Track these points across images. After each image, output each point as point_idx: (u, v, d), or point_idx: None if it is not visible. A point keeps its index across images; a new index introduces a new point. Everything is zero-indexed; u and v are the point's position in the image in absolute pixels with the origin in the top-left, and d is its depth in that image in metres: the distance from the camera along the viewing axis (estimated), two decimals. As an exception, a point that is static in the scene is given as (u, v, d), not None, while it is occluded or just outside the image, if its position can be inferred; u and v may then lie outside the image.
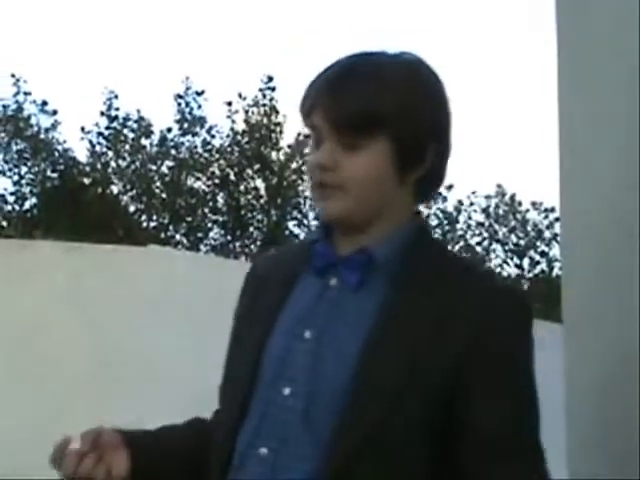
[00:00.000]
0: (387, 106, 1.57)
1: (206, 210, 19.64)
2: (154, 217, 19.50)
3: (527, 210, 21.85)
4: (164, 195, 19.22)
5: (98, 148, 19.11)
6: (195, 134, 19.40)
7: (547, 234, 21.65)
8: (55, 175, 18.59)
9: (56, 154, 18.76)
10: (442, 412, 1.51)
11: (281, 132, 19.65)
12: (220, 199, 19.63)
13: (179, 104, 19.32)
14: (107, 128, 19.08)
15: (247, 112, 19.41)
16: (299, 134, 19.62)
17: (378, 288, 1.58)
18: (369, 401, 1.51)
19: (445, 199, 21.01)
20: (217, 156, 19.52)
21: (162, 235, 19.04)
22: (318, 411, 1.53)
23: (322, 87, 1.61)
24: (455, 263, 1.65)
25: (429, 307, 1.54)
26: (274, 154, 19.62)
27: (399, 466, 1.50)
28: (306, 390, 1.55)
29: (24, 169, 18.69)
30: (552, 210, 21.02)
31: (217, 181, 19.40)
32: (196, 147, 19.44)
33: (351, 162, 1.58)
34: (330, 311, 1.60)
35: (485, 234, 21.74)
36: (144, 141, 19.23)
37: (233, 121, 19.47)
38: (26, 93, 18.66)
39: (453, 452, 1.52)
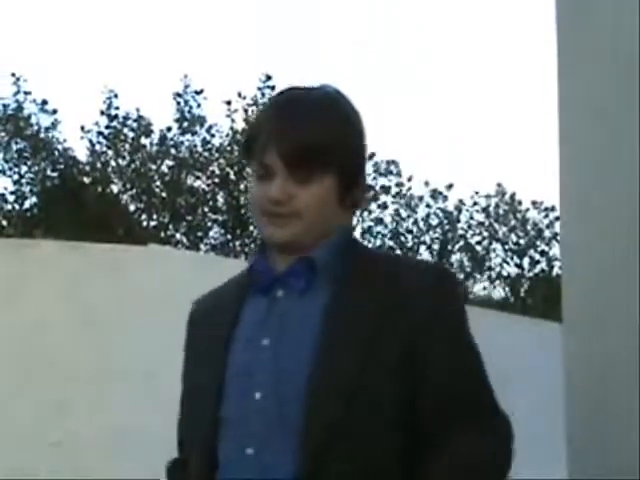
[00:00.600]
0: (332, 139, 1.74)
1: (206, 209, 19.63)
2: (154, 216, 19.50)
3: (527, 209, 21.85)
4: (164, 194, 19.21)
5: (98, 147, 19.10)
6: (195, 133, 19.40)
7: (547, 233, 21.65)
8: (55, 174, 18.58)
9: (56, 153, 18.75)
10: (403, 392, 1.65)
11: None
12: (220, 198, 19.63)
13: (178, 103, 19.31)
14: (107, 127, 19.07)
15: (247, 111, 19.41)
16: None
17: (322, 289, 1.73)
18: (329, 394, 1.63)
19: (446, 198, 21.00)
20: (217, 155, 19.51)
21: (162, 234, 19.04)
22: (290, 409, 1.65)
23: (272, 128, 1.76)
24: (382, 257, 1.87)
25: (371, 297, 1.70)
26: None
27: (372, 456, 1.62)
28: (274, 391, 1.67)
29: (24, 168, 18.69)
30: (552, 209, 21.01)
31: (217, 180, 19.40)
32: (196, 146, 19.43)
33: (303, 193, 1.74)
34: (282, 318, 1.73)
35: (485, 233, 21.74)
36: (144, 140, 19.22)
37: (233, 120, 19.47)
38: (26, 92, 18.65)
39: (417, 424, 1.65)
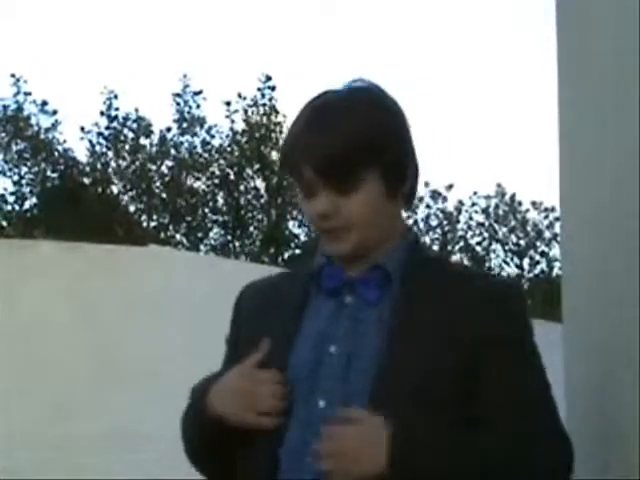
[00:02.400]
0: (365, 142, 1.68)
1: (206, 210, 19.66)
2: (154, 217, 19.53)
3: (527, 210, 21.87)
4: (164, 195, 19.24)
5: (98, 148, 19.15)
6: (195, 134, 19.41)
7: (547, 234, 21.68)
8: (55, 175, 18.61)
9: (56, 154, 18.78)
10: (463, 407, 1.63)
11: (281, 132, 19.66)
12: (220, 199, 19.66)
13: (178, 103, 19.33)
14: (107, 128, 19.11)
15: (246, 112, 19.42)
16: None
17: (391, 298, 1.71)
18: (391, 406, 1.60)
19: (445, 199, 21.01)
20: (217, 156, 19.55)
21: (162, 235, 19.06)
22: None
23: (301, 141, 1.70)
24: (451, 268, 1.79)
25: (437, 311, 1.68)
26: (274, 154, 19.64)
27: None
28: (339, 401, 1.65)
29: (24, 169, 18.71)
30: (552, 210, 21.04)
31: (217, 181, 19.42)
32: (195, 147, 19.47)
33: (349, 203, 1.69)
34: (350, 326, 1.71)
35: (485, 234, 21.75)
36: (144, 141, 19.27)
37: (232, 121, 19.51)
38: (26, 93, 18.68)
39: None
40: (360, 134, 1.68)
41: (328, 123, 1.69)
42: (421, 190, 20.99)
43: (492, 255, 21.74)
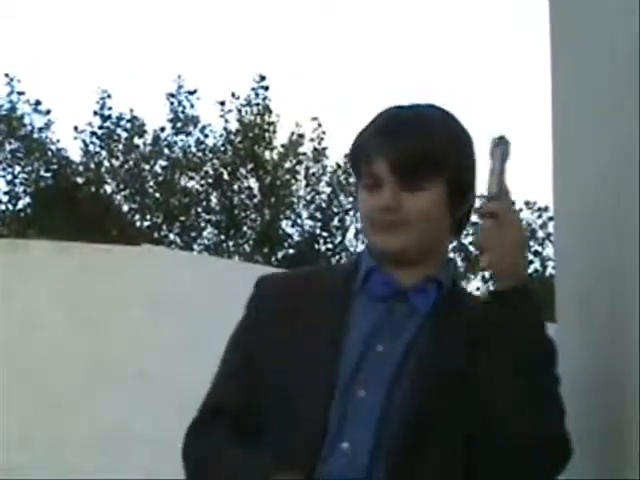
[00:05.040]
0: (439, 149, 1.79)
1: (199, 209, 19.62)
2: (148, 216, 19.48)
3: (520, 209, 21.85)
4: (157, 194, 19.19)
5: (91, 147, 19.08)
6: (188, 133, 19.38)
7: (540, 233, 21.65)
8: (48, 175, 18.56)
9: (49, 154, 18.72)
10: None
11: (274, 132, 19.64)
12: (214, 198, 19.62)
13: (172, 103, 19.29)
14: (100, 127, 19.05)
15: (240, 111, 19.39)
16: (292, 134, 19.62)
17: (439, 310, 1.80)
18: (430, 401, 1.71)
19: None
20: (210, 155, 19.50)
21: (156, 234, 19.02)
22: (391, 412, 1.71)
23: (381, 137, 1.80)
24: (467, 293, 1.96)
25: (462, 328, 1.77)
26: (267, 153, 19.60)
27: (454, 465, 1.71)
28: (382, 392, 1.72)
29: (17, 169, 18.65)
30: (546, 209, 21.01)
31: (210, 180, 19.39)
32: (189, 146, 19.42)
33: (412, 201, 1.78)
34: (397, 330, 1.79)
35: (478, 233, 21.73)
36: (137, 140, 19.20)
37: (226, 120, 19.45)
38: (19, 93, 18.62)
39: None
40: (436, 141, 1.79)
41: (408, 123, 1.80)
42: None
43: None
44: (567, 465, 1.74)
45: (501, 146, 1.71)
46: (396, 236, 1.79)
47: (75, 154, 19.16)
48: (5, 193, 18.55)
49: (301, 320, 1.83)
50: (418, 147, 1.78)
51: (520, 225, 1.72)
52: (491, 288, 1.74)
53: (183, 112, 19.29)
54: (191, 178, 19.36)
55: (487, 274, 21.28)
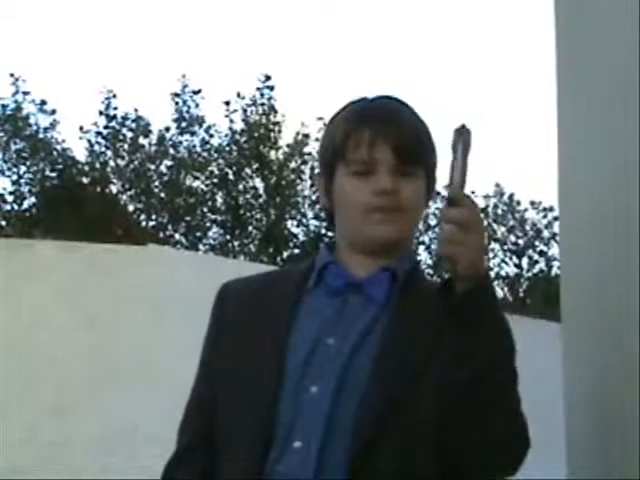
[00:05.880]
0: (425, 141, 1.83)
1: (205, 209, 19.63)
2: (153, 216, 19.49)
3: (526, 209, 21.84)
4: (163, 194, 19.20)
5: (97, 147, 19.10)
6: (193, 133, 19.39)
7: (546, 233, 21.64)
8: (54, 174, 18.57)
9: (55, 153, 18.73)
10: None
11: (280, 131, 19.64)
12: (219, 198, 19.62)
13: (176, 103, 19.30)
14: (105, 127, 19.06)
15: (245, 111, 19.39)
16: (298, 134, 19.63)
17: (393, 301, 1.77)
18: (386, 388, 1.66)
19: (444, 199, 20.99)
20: (216, 155, 19.51)
21: (161, 234, 19.03)
22: (344, 407, 1.67)
23: (383, 123, 1.79)
24: (430, 282, 1.91)
25: (428, 316, 1.71)
26: (273, 153, 19.61)
27: (414, 459, 1.65)
28: (332, 387, 1.68)
29: (23, 169, 18.67)
30: (551, 209, 21.00)
31: (216, 180, 19.39)
32: (194, 146, 19.43)
33: (406, 187, 1.78)
34: (349, 322, 1.75)
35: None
36: (142, 140, 19.21)
37: (231, 120, 19.45)
38: (25, 93, 18.63)
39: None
40: (423, 132, 1.83)
41: (398, 112, 1.82)
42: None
43: (491, 254, 21.73)
44: (523, 458, 1.69)
45: (462, 137, 1.66)
46: (391, 223, 1.78)
47: (80, 154, 19.17)
48: (11, 193, 18.57)
49: (253, 325, 1.81)
50: (417, 134, 1.80)
51: (482, 227, 1.65)
52: (447, 277, 1.66)
53: (188, 112, 19.30)
54: (196, 178, 19.36)
55: (493, 274, 21.26)
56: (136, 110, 19.18)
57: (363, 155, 1.78)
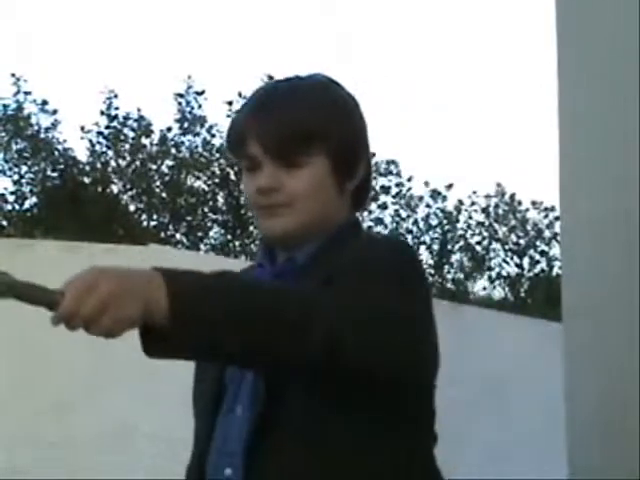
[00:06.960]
0: (315, 121, 1.67)
1: (206, 209, 19.63)
2: (154, 216, 19.49)
3: (527, 209, 21.84)
4: (164, 194, 19.20)
5: (98, 147, 19.09)
6: (196, 133, 19.39)
7: (547, 233, 21.64)
8: (55, 174, 18.57)
9: (56, 153, 18.73)
10: None
11: (281, 131, 19.62)
12: (220, 198, 19.62)
13: (179, 103, 19.30)
14: (107, 127, 19.06)
15: (247, 111, 19.39)
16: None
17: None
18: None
19: (445, 198, 20.98)
20: (217, 155, 19.50)
21: (162, 234, 19.04)
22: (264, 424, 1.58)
23: (251, 115, 1.70)
24: (359, 237, 1.73)
25: (320, 270, 1.61)
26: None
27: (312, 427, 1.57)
28: (253, 406, 1.60)
29: (24, 168, 18.67)
30: (552, 209, 21.01)
31: (217, 180, 19.39)
32: (196, 146, 19.42)
33: (293, 179, 1.67)
34: None
35: (485, 233, 21.73)
36: (144, 140, 19.21)
37: (234, 120, 19.45)
38: (26, 92, 18.63)
39: None
40: (310, 113, 1.67)
41: (277, 100, 1.69)
42: (421, 189, 21.00)
43: (492, 254, 21.73)
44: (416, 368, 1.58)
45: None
46: (278, 218, 1.68)
47: (82, 154, 19.17)
48: (12, 193, 18.57)
49: None
50: (289, 123, 1.66)
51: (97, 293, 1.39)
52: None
53: (190, 112, 19.30)
54: (198, 178, 19.37)
55: (494, 274, 21.28)
56: (138, 110, 19.19)
57: (242, 151, 1.72)
